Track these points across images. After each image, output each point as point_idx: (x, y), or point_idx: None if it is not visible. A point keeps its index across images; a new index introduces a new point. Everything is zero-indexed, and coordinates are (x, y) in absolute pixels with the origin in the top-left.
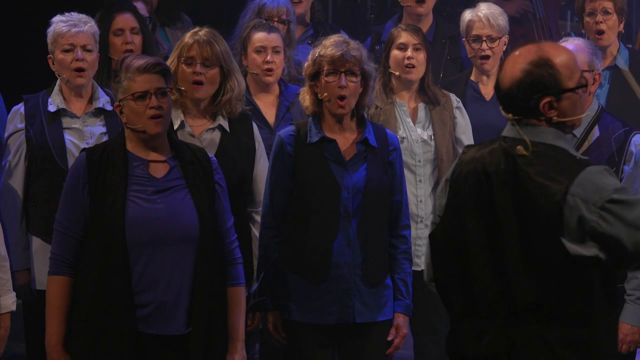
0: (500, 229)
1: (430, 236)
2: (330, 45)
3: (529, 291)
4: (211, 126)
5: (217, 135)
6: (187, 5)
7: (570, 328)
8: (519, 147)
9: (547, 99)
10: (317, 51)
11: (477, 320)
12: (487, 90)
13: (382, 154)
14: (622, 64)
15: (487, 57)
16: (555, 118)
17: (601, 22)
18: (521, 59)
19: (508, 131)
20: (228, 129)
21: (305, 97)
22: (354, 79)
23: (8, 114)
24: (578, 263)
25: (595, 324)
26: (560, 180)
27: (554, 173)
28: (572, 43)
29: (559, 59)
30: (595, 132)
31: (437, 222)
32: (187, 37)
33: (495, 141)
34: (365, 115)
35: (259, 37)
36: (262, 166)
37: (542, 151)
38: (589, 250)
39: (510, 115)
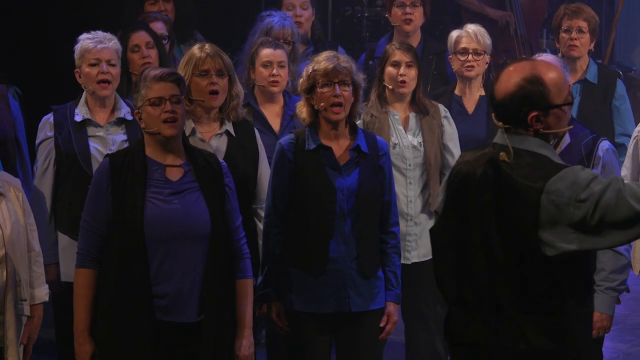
0: (485, 228)
1: (431, 231)
2: (322, 60)
3: (510, 285)
4: (219, 131)
5: (224, 140)
6: (199, 24)
7: (545, 317)
8: (502, 153)
9: (534, 113)
10: (311, 67)
11: (465, 309)
12: (470, 104)
13: (373, 159)
14: (592, 77)
15: (471, 67)
16: (541, 130)
17: (575, 39)
18: (516, 74)
19: (498, 138)
20: (234, 134)
21: (302, 110)
22: (346, 88)
23: (39, 123)
24: (554, 258)
25: (569, 313)
26: (538, 181)
27: (533, 175)
28: (544, 59)
29: (549, 77)
30: (566, 139)
31: (437, 218)
32: (197, 52)
33: (487, 147)
34: (362, 123)
35: (266, 52)
36: (265, 166)
37: (525, 157)
38: (569, 245)
39: (500, 123)
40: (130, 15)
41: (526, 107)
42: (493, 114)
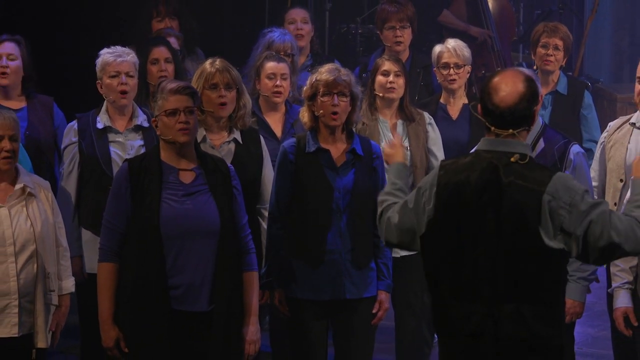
0: (487, 228)
1: (422, 237)
2: (325, 71)
3: (511, 277)
4: (227, 139)
5: (232, 147)
6: (207, 39)
7: (541, 305)
8: (516, 155)
9: (537, 107)
10: (314, 77)
11: (465, 303)
12: (454, 111)
13: (367, 161)
14: (562, 88)
15: (453, 80)
16: (532, 126)
17: (550, 55)
18: (516, 79)
19: (487, 145)
20: (241, 141)
21: (304, 115)
22: (344, 98)
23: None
24: (550, 253)
25: (559, 302)
26: (539, 182)
27: (533, 176)
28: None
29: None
30: (541, 144)
31: (426, 225)
32: (208, 67)
33: (470, 155)
34: (354, 129)
35: (270, 65)
36: (268, 170)
37: (521, 160)
38: (557, 243)
39: (510, 130)
40: (140, 32)
41: (534, 103)
42: (494, 125)
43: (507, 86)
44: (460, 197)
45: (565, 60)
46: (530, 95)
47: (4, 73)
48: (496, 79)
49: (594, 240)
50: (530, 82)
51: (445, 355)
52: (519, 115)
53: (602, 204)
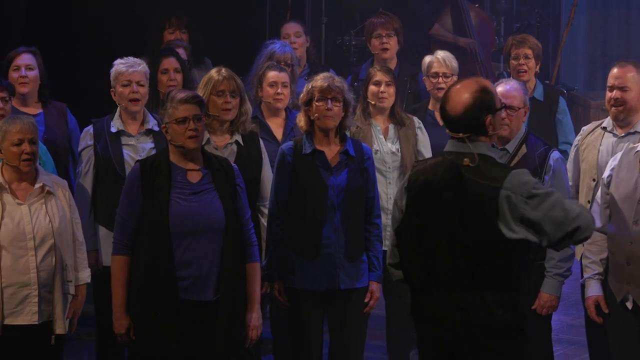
0: (449, 222)
1: (396, 231)
2: (319, 79)
3: (473, 266)
4: (230, 141)
5: (234, 148)
6: (214, 50)
7: (503, 292)
8: (466, 159)
9: (490, 117)
10: (310, 84)
11: (433, 291)
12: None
13: (359, 162)
14: (539, 95)
15: (442, 89)
16: (490, 131)
17: (523, 65)
18: (466, 89)
19: (451, 147)
20: (242, 143)
21: (300, 119)
22: (337, 103)
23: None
24: (509, 244)
25: (519, 289)
26: (495, 179)
27: (490, 174)
28: (509, 84)
29: (490, 86)
30: (523, 150)
31: (400, 220)
32: (215, 75)
33: (439, 156)
34: (349, 132)
35: (272, 74)
36: (267, 170)
37: (480, 160)
38: (518, 234)
39: (460, 134)
40: (151, 43)
41: (484, 112)
42: (448, 129)
43: (457, 96)
44: (427, 194)
45: (538, 66)
46: (476, 106)
47: (23, 82)
48: (453, 88)
49: (557, 225)
50: (481, 94)
51: (419, 340)
52: (464, 123)
53: (555, 191)
